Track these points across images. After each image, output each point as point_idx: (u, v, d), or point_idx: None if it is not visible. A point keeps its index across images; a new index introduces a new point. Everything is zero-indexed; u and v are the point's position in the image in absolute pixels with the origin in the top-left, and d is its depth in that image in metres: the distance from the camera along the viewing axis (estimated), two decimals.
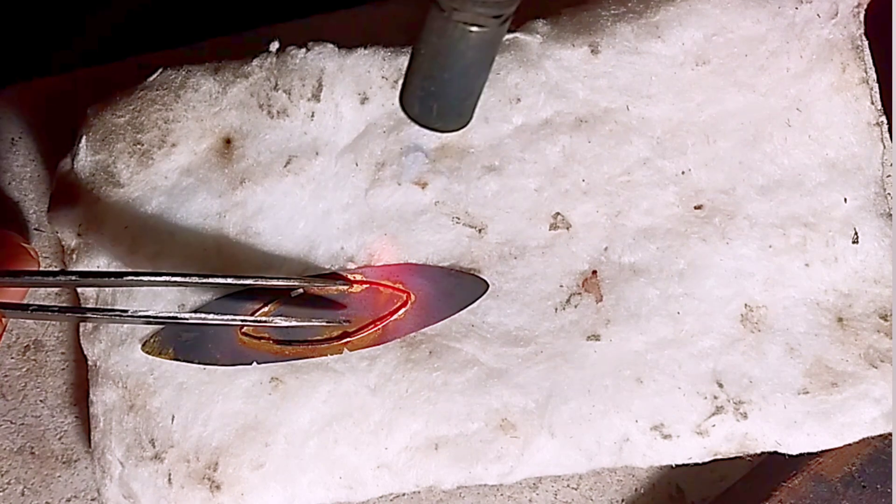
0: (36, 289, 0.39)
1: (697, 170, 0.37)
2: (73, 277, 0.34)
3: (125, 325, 0.36)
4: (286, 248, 0.36)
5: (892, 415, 0.36)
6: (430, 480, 0.36)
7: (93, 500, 0.40)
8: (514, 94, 0.37)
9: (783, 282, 0.36)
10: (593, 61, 0.37)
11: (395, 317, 0.36)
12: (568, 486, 0.41)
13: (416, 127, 0.36)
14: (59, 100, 0.41)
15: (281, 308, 0.36)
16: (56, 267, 0.40)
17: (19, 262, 0.37)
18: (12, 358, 0.40)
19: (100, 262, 0.36)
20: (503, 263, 0.37)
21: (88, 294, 0.37)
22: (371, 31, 0.38)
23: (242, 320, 0.35)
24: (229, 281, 0.34)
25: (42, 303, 0.40)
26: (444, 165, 0.37)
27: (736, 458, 0.37)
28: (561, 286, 0.37)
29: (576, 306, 0.37)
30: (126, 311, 0.34)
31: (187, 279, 0.34)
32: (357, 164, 0.37)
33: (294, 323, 0.35)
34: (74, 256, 0.37)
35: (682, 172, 0.37)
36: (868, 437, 0.36)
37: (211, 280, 0.34)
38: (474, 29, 0.27)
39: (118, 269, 0.36)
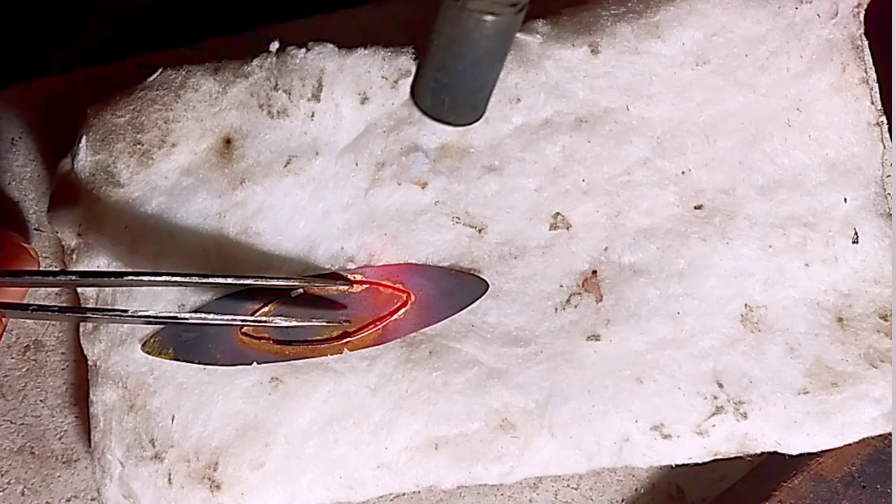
0: (36, 289, 0.39)
1: (697, 170, 0.37)
2: (73, 277, 0.34)
3: (125, 325, 0.36)
4: (286, 248, 0.36)
5: (892, 415, 0.36)
6: (430, 480, 0.36)
7: (93, 500, 0.40)
8: (514, 94, 0.37)
9: (783, 282, 0.36)
10: (593, 61, 0.37)
11: (395, 317, 0.36)
12: (568, 486, 0.41)
13: (417, 127, 0.37)
14: (59, 100, 0.41)
15: (281, 308, 0.36)
16: (56, 267, 0.40)
17: (19, 262, 0.37)
18: (12, 358, 0.40)
19: (100, 262, 0.36)
20: (503, 263, 0.37)
21: (88, 294, 0.37)
22: (371, 31, 0.38)
23: (242, 320, 0.35)
24: (229, 281, 0.34)
25: (42, 303, 0.39)
26: (444, 165, 0.37)
27: (736, 458, 0.37)
28: (561, 286, 0.37)
29: (576, 306, 0.37)
30: (126, 311, 0.34)
31: (187, 279, 0.34)
32: (357, 164, 0.37)
33: (294, 323, 0.35)
34: (74, 256, 0.37)
35: (682, 172, 0.37)
36: (868, 437, 0.36)
37: (211, 280, 0.34)
38: (489, 18, 0.27)
39: (118, 269, 0.36)
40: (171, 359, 0.36)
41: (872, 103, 0.37)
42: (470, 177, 0.37)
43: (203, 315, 0.34)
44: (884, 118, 0.37)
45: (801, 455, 0.36)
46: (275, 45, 0.37)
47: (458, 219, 0.37)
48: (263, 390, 0.36)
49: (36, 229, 0.41)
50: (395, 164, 0.37)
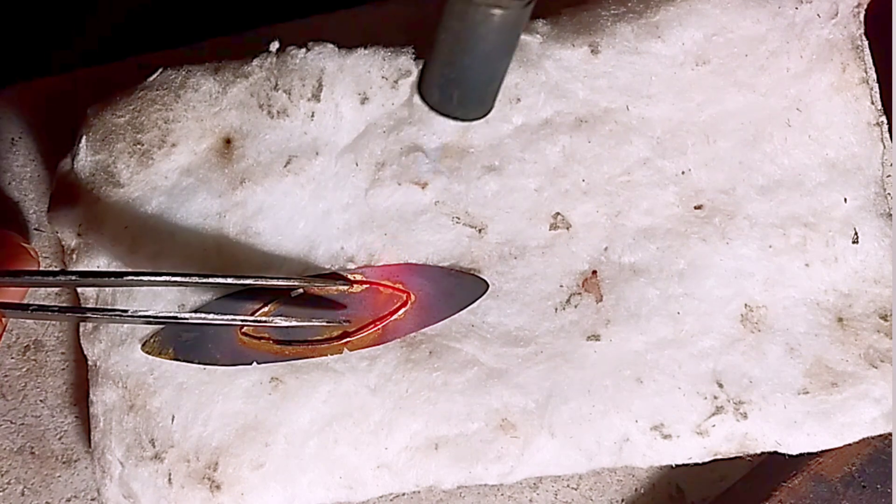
0: (36, 289, 0.39)
1: (697, 170, 0.37)
2: (73, 277, 0.34)
3: (125, 325, 0.36)
4: (286, 248, 0.36)
5: (892, 415, 0.36)
6: (430, 480, 0.36)
7: (93, 500, 0.40)
8: (514, 94, 0.37)
9: (783, 282, 0.36)
10: (593, 61, 0.37)
11: (395, 317, 0.36)
12: (568, 486, 0.41)
13: (417, 127, 0.37)
14: (59, 100, 0.41)
15: (281, 308, 0.36)
16: (56, 267, 0.40)
17: (19, 262, 0.37)
18: (12, 358, 0.40)
19: (100, 262, 0.36)
20: (503, 263, 0.37)
21: (88, 294, 0.37)
22: (371, 31, 0.38)
23: (242, 320, 0.35)
24: (229, 281, 0.34)
25: (42, 303, 0.40)
26: (444, 165, 0.37)
27: (736, 458, 0.37)
28: (561, 286, 0.37)
29: (576, 306, 0.37)
30: (126, 311, 0.34)
31: (187, 279, 0.34)
32: (357, 164, 0.37)
33: (294, 323, 0.35)
34: (74, 256, 0.37)
35: (682, 172, 0.37)
36: (868, 437, 0.36)
37: (211, 280, 0.34)
38: (497, 11, 0.26)
39: (118, 269, 0.36)
40: (171, 359, 0.36)
41: (872, 103, 0.37)
42: (470, 177, 0.37)
43: (203, 315, 0.34)
44: (884, 118, 0.37)
45: (801, 455, 0.36)
46: (275, 45, 0.37)
47: (458, 219, 0.37)
48: (263, 390, 0.36)
49: (36, 229, 0.41)
50: (395, 164, 0.37)
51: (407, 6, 0.41)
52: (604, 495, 0.41)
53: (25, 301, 0.36)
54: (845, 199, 0.37)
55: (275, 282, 0.35)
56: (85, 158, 0.37)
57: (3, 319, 0.35)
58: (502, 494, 0.40)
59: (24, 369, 0.40)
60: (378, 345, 0.36)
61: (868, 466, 0.38)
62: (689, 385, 0.36)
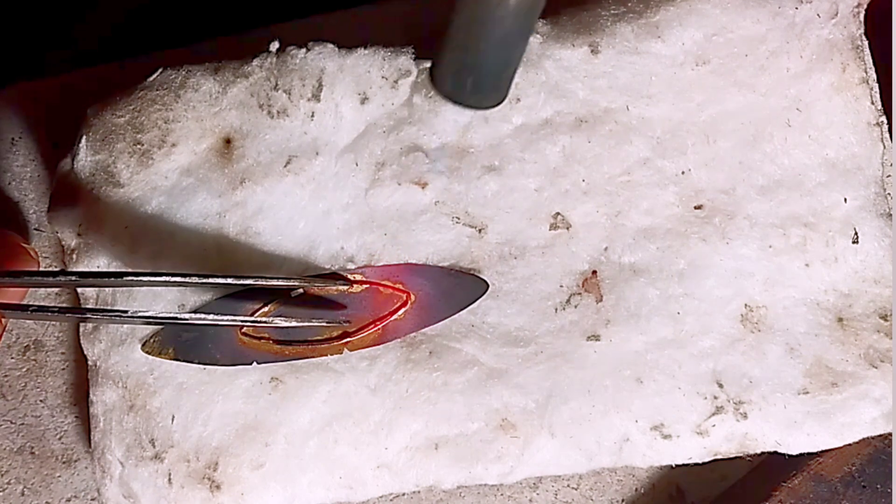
0: (36, 289, 0.39)
1: (697, 170, 0.37)
2: (73, 277, 0.34)
3: (125, 326, 0.36)
4: (286, 248, 0.36)
5: (892, 415, 0.36)
6: (430, 480, 0.36)
7: (93, 500, 0.40)
8: (514, 94, 0.37)
9: (783, 282, 0.36)
10: (593, 61, 0.37)
11: (395, 317, 0.36)
12: (568, 486, 0.41)
13: (417, 127, 0.37)
14: (58, 100, 0.41)
15: (281, 308, 0.36)
16: (56, 267, 0.40)
17: (19, 262, 0.37)
18: (12, 358, 0.40)
19: (100, 262, 0.36)
20: (503, 263, 0.37)
21: (88, 294, 0.37)
22: (371, 31, 0.38)
23: (242, 320, 0.35)
24: (229, 281, 0.34)
25: (42, 303, 0.40)
26: (444, 165, 0.37)
27: (736, 458, 0.37)
28: (561, 286, 0.37)
29: (576, 306, 0.37)
30: (126, 311, 0.34)
31: (187, 279, 0.33)
32: (357, 164, 0.37)
33: (294, 323, 0.35)
34: (74, 256, 0.37)
35: (682, 172, 0.37)
36: (868, 437, 0.36)
37: (211, 280, 0.34)
38: None
39: (118, 269, 0.36)
40: (171, 359, 0.36)
41: (872, 103, 0.37)
42: (470, 177, 0.37)
43: (203, 315, 0.34)
44: (884, 118, 0.37)
45: (801, 455, 0.36)
46: (275, 45, 0.37)
47: (458, 219, 0.37)
48: (263, 390, 0.36)
49: (36, 229, 0.41)
50: (395, 164, 0.37)
51: (407, 6, 0.41)
52: (604, 495, 0.41)
53: (25, 301, 0.36)
54: (845, 199, 0.37)
55: (275, 282, 0.35)
56: (85, 158, 0.37)
57: (3, 320, 0.35)
58: (502, 494, 0.40)
59: (24, 369, 0.40)
60: (378, 345, 0.36)
61: (868, 466, 0.38)
62: (689, 385, 0.36)
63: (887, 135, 0.38)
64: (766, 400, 0.36)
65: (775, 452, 0.36)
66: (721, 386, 0.36)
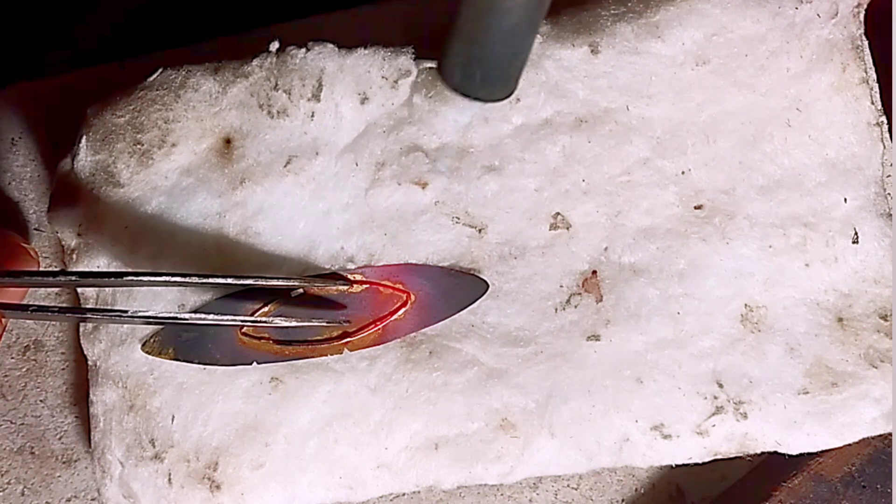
0: (36, 289, 0.39)
1: (697, 170, 0.37)
2: (73, 277, 0.34)
3: (125, 326, 0.36)
4: (286, 248, 0.36)
5: (892, 415, 0.36)
6: (430, 480, 0.36)
7: (93, 500, 0.40)
8: (514, 94, 0.36)
9: (783, 282, 0.36)
10: (593, 61, 0.37)
11: (395, 317, 0.36)
12: (568, 486, 0.41)
13: (417, 127, 0.37)
14: (58, 100, 0.41)
15: (281, 308, 0.36)
16: (56, 267, 0.40)
17: (19, 262, 0.37)
18: (12, 358, 0.40)
19: (100, 262, 0.36)
20: (503, 263, 0.37)
21: (88, 294, 0.37)
22: (371, 31, 0.38)
23: (242, 320, 0.35)
24: (229, 281, 0.34)
25: (42, 303, 0.40)
26: (444, 165, 0.37)
27: (736, 458, 0.37)
28: (561, 286, 0.37)
29: (576, 306, 0.37)
30: (126, 311, 0.34)
31: (187, 279, 0.33)
32: (357, 164, 0.37)
33: (294, 323, 0.35)
34: (74, 256, 0.37)
35: (682, 172, 0.37)
36: (868, 437, 0.36)
37: (211, 280, 0.34)
38: None
39: (118, 269, 0.36)
40: (171, 359, 0.36)
41: (872, 103, 0.37)
42: (470, 177, 0.37)
43: (203, 315, 0.34)
44: (884, 118, 0.37)
45: (801, 455, 0.36)
46: (275, 45, 0.37)
47: (458, 219, 0.37)
48: (263, 390, 0.36)
49: (36, 229, 0.41)
50: (395, 164, 0.37)
51: (407, 6, 0.41)
52: (604, 495, 0.41)
53: (25, 301, 0.36)
54: (845, 199, 0.37)
55: (275, 282, 0.35)
56: (85, 158, 0.37)
57: (3, 320, 0.35)
58: (502, 494, 0.40)
59: (24, 369, 0.40)
60: (378, 345, 0.36)
61: (868, 466, 0.38)
62: (689, 385, 0.36)
63: (887, 135, 0.38)
64: (766, 400, 0.36)
65: (775, 452, 0.36)
66: (721, 386, 0.36)
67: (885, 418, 0.36)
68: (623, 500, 0.41)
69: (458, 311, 0.36)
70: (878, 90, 0.37)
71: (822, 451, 0.37)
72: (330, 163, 0.37)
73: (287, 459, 0.36)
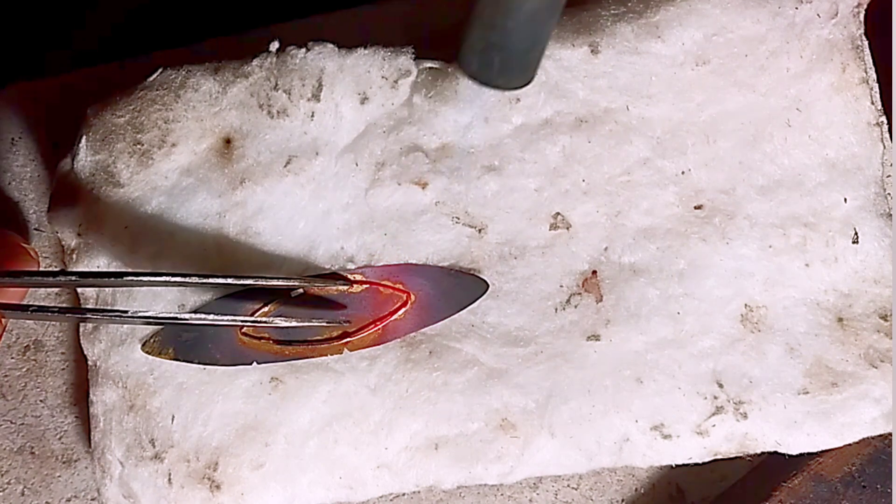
0: (36, 289, 0.39)
1: (697, 170, 0.37)
2: (73, 277, 0.34)
3: (125, 326, 0.36)
4: (286, 248, 0.36)
5: (892, 415, 0.36)
6: (430, 480, 0.36)
7: (93, 500, 0.40)
8: (514, 94, 0.37)
9: (783, 282, 0.36)
10: (593, 61, 0.37)
11: (395, 317, 0.36)
12: (568, 485, 0.41)
13: (417, 127, 0.37)
14: (58, 100, 0.41)
15: (281, 308, 0.36)
16: (56, 267, 0.40)
17: (19, 262, 0.37)
18: (12, 358, 0.40)
19: (100, 262, 0.36)
20: (503, 263, 0.37)
21: (88, 294, 0.37)
22: (371, 31, 0.38)
23: (242, 320, 0.35)
24: (229, 281, 0.34)
25: (42, 303, 0.40)
26: (444, 165, 0.37)
27: (736, 458, 0.37)
28: (561, 286, 0.37)
29: (576, 306, 0.37)
30: (126, 311, 0.34)
31: (187, 279, 0.33)
32: (357, 164, 0.37)
33: (294, 323, 0.35)
34: (74, 256, 0.37)
35: (682, 172, 0.37)
36: (868, 437, 0.36)
37: (211, 280, 0.34)
38: None
39: (118, 269, 0.36)
40: (171, 359, 0.36)
41: (872, 103, 0.37)
42: (470, 177, 0.37)
43: (203, 315, 0.34)
44: (884, 118, 0.37)
45: (801, 455, 0.36)
46: (275, 45, 0.37)
47: (458, 219, 0.37)
48: (263, 390, 0.36)
49: (36, 229, 0.41)
50: (395, 164, 0.37)
51: (407, 6, 0.41)
52: (604, 495, 0.41)
53: (25, 301, 0.36)
54: (845, 199, 0.37)
55: (275, 282, 0.35)
56: (85, 158, 0.37)
57: (3, 320, 0.35)
58: (502, 494, 0.40)
59: (24, 369, 0.40)
60: (378, 345, 0.36)
61: (868, 466, 0.38)
62: (689, 385, 0.36)
63: (887, 135, 0.38)
64: (766, 400, 0.36)
65: (775, 452, 0.36)
66: (721, 386, 0.36)
67: (885, 418, 0.36)
68: (623, 500, 0.41)
69: (458, 311, 0.36)
70: (878, 90, 0.37)
71: (822, 451, 0.37)
72: (330, 163, 0.37)
73: (287, 459, 0.36)
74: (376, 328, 0.36)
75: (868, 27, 0.37)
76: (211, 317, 0.34)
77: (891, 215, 0.37)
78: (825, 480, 0.38)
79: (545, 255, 0.37)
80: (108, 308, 0.36)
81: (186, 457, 0.36)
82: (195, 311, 0.36)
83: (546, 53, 0.36)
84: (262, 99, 0.37)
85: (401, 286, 0.36)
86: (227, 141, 0.37)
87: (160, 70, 0.37)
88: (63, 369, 0.40)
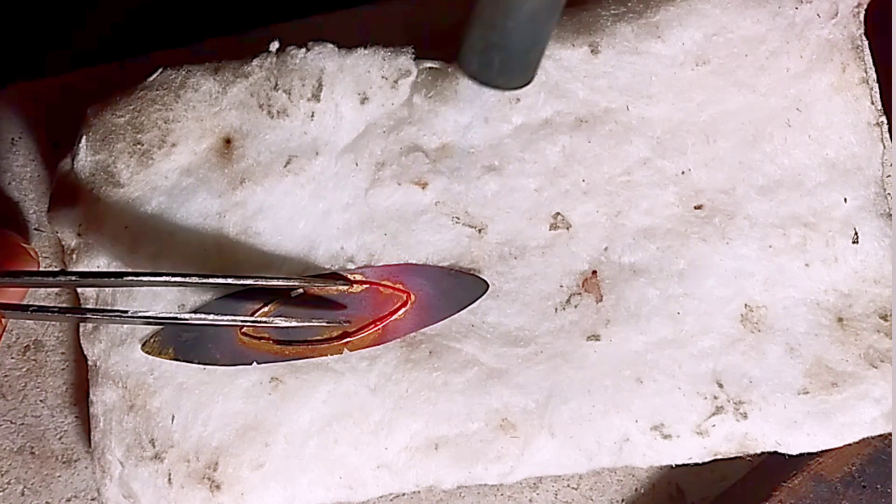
0: (36, 289, 0.39)
1: (697, 170, 0.37)
2: (73, 277, 0.34)
3: (125, 326, 0.36)
4: (286, 248, 0.36)
5: (892, 415, 0.36)
6: (430, 480, 0.36)
7: (93, 500, 0.40)
8: (514, 94, 0.37)
9: (783, 282, 0.36)
10: (593, 61, 0.37)
11: (395, 317, 0.36)
12: (568, 486, 0.41)
13: (417, 127, 0.37)
14: (58, 100, 0.41)
15: (281, 308, 0.36)
16: (56, 267, 0.40)
17: (19, 262, 0.37)
18: (12, 358, 0.40)
19: (100, 262, 0.36)
20: (503, 263, 0.37)
21: (88, 294, 0.37)
22: (371, 31, 0.38)
23: (242, 320, 0.35)
24: (229, 281, 0.34)
25: (42, 303, 0.40)
26: (444, 165, 0.37)
27: (736, 458, 0.37)
28: (561, 286, 0.37)
29: (576, 306, 0.37)
30: (126, 311, 0.34)
31: (187, 279, 0.33)
32: (357, 164, 0.37)
33: (294, 323, 0.35)
34: (74, 256, 0.37)
35: (682, 172, 0.37)
36: (868, 437, 0.36)
37: (211, 280, 0.34)
38: None
39: (118, 269, 0.36)
40: (171, 359, 0.36)
41: (872, 103, 0.37)
42: (470, 177, 0.37)
43: (203, 315, 0.34)
44: (884, 118, 0.37)
45: (801, 455, 0.36)
46: (275, 45, 0.37)
47: (458, 219, 0.37)
48: (263, 390, 0.36)
49: (36, 229, 0.41)
50: (395, 164, 0.37)
51: (407, 6, 0.41)
52: (604, 495, 0.41)
53: (25, 301, 0.36)
54: (845, 199, 0.37)
55: (275, 282, 0.35)
56: (85, 158, 0.37)
57: (3, 320, 0.35)
58: (502, 494, 0.40)
59: (24, 369, 0.40)
60: (378, 345, 0.36)
61: (868, 466, 0.38)
62: (689, 385, 0.36)
63: (887, 135, 0.38)
64: (766, 400, 0.36)
65: (775, 452, 0.36)
66: (721, 386, 0.36)
67: (885, 418, 0.36)
68: (623, 500, 0.41)
69: (458, 311, 0.36)
70: (878, 90, 0.37)
71: (822, 451, 0.37)
72: (330, 163, 0.37)
73: (287, 459, 0.36)
74: (376, 328, 0.36)
75: (868, 27, 0.37)
76: (211, 317, 0.34)
77: (891, 215, 0.37)
78: (825, 480, 0.38)
79: (545, 255, 0.37)
80: (108, 308, 0.36)
81: (186, 457, 0.36)
82: (195, 311, 0.36)
83: (546, 53, 0.36)
84: (262, 99, 0.37)
85: (401, 286, 0.36)
86: (227, 141, 0.37)
87: (160, 70, 0.37)
88: (63, 369, 0.40)
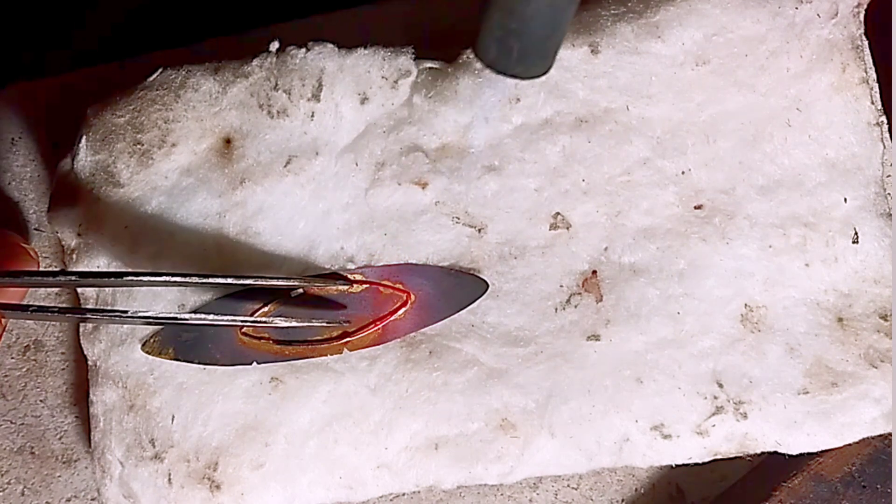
0: (36, 289, 0.39)
1: (697, 170, 0.37)
2: (73, 277, 0.34)
3: (125, 326, 0.36)
4: (286, 248, 0.36)
5: (892, 415, 0.36)
6: (430, 480, 0.36)
7: (93, 500, 0.40)
8: (514, 94, 0.37)
9: (783, 282, 0.36)
10: (593, 61, 0.37)
11: (395, 317, 0.36)
12: (568, 485, 0.41)
13: (417, 127, 0.37)
14: (58, 100, 0.41)
15: (281, 308, 0.36)
16: (56, 267, 0.40)
17: (19, 262, 0.37)
18: (12, 358, 0.40)
19: (100, 262, 0.36)
20: (503, 263, 0.37)
21: (88, 294, 0.37)
22: (371, 31, 0.38)
23: (242, 320, 0.35)
24: (229, 281, 0.34)
25: (42, 303, 0.40)
26: (444, 165, 0.37)
27: (736, 458, 0.37)
28: (561, 286, 0.37)
29: (576, 306, 0.37)
30: (126, 311, 0.34)
31: (187, 279, 0.33)
32: (357, 164, 0.37)
33: (294, 323, 0.35)
34: (74, 256, 0.37)
35: (682, 172, 0.37)
36: (868, 437, 0.36)
37: (211, 280, 0.34)
38: None
39: (118, 269, 0.36)
40: (171, 359, 0.36)
41: (872, 103, 0.37)
42: (470, 177, 0.37)
43: (203, 315, 0.34)
44: (884, 118, 0.37)
45: (801, 455, 0.36)
46: (275, 45, 0.37)
47: (458, 219, 0.37)
48: (263, 390, 0.36)
49: (36, 229, 0.41)
50: (395, 164, 0.37)
51: (407, 6, 0.41)
52: (604, 495, 0.41)
53: (25, 301, 0.36)
54: (845, 199, 0.37)
55: (275, 282, 0.35)
56: (85, 158, 0.37)
57: (3, 320, 0.35)
58: (502, 494, 0.40)
59: (24, 369, 0.40)
60: (378, 345, 0.36)
61: (868, 466, 0.38)
62: (689, 385, 0.36)
63: (887, 135, 0.38)
64: (766, 400, 0.36)
65: (775, 452, 0.36)
66: (721, 386, 0.36)
67: (885, 418, 0.36)
68: (623, 500, 0.41)
69: (458, 311, 0.36)
70: (878, 90, 0.37)
71: (822, 451, 0.37)
72: (330, 163, 0.37)
73: (287, 459, 0.36)
74: (376, 328, 0.36)
75: (868, 27, 0.37)
76: (211, 317, 0.34)
77: (891, 215, 0.37)
78: (825, 480, 0.38)
79: (545, 255, 0.37)
80: (108, 308, 0.36)
81: (186, 457, 0.36)
82: (195, 311, 0.36)
83: None
84: (262, 99, 0.37)
85: (401, 286, 0.36)
86: (227, 141, 0.37)
87: (160, 70, 0.37)
88: (63, 369, 0.40)
